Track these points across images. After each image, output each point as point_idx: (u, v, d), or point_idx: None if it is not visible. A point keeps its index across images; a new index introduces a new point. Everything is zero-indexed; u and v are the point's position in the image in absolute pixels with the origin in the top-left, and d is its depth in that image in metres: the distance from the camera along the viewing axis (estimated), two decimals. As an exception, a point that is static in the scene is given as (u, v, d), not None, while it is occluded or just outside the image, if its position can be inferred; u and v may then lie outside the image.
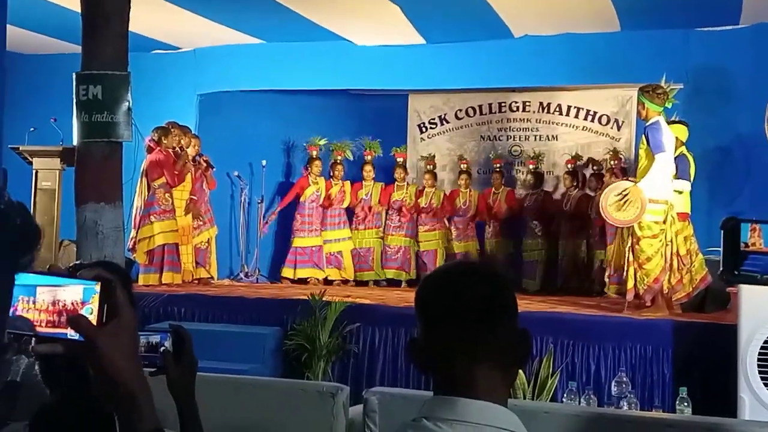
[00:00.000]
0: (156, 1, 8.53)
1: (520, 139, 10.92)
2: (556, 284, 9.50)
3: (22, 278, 1.24)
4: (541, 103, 10.79)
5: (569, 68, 9.59)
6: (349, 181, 10.42)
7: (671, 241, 6.78)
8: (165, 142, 8.79)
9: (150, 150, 8.77)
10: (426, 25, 9.48)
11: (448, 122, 11.23)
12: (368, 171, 10.36)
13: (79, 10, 6.00)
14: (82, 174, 5.86)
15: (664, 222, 6.76)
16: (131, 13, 6.11)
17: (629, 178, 7.46)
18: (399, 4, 8.66)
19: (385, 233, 10.30)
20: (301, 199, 10.19)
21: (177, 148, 8.96)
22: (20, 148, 8.44)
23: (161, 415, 2.07)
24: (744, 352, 5.12)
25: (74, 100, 5.81)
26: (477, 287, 1.61)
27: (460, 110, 11.16)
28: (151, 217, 8.56)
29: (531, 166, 10.32)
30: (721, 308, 7.15)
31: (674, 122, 7.52)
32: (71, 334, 1.20)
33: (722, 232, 1.93)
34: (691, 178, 7.62)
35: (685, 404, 5.24)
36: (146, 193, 8.66)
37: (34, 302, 1.23)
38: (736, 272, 2.00)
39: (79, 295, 1.23)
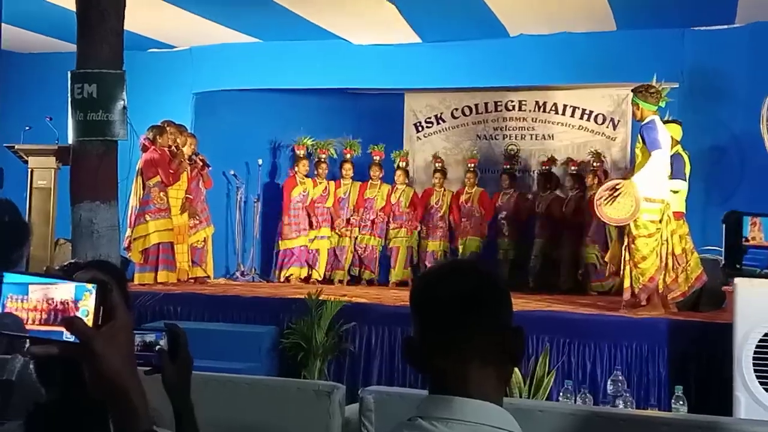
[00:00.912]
0: (152, 0, 8.51)
1: (516, 138, 10.93)
2: (527, 284, 9.48)
3: (15, 277, 1.24)
4: (537, 102, 10.80)
5: (565, 67, 9.60)
6: (333, 181, 10.39)
7: (667, 240, 6.79)
8: (160, 140, 8.78)
9: (145, 149, 8.76)
10: (422, 24, 9.48)
11: (444, 121, 11.24)
12: (347, 170, 10.30)
13: (74, 9, 5.99)
14: (78, 173, 5.85)
15: (660, 221, 6.76)
16: (127, 12, 6.11)
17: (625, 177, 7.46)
18: (395, 3, 8.66)
19: (360, 233, 10.29)
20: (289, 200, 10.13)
21: (172, 147, 8.95)
22: (15, 147, 8.43)
23: (157, 414, 2.07)
24: (739, 351, 5.13)
25: (69, 99, 5.80)
26: (471, 285, 1.62)
27: (457, 109, 11.17)
28: (146, 216, 8.56)
29: (506, 167, 10.33)
30: (717, 307, 7.17)
31: (668, 121, 7.53)
32: (67, 335, 1.20)
33: (724, 225, 1.94)
34: (687, 177, 7.63)
35: (681, 403, 5.24)
36: (141, 192, 8.66)
37: (25, 300, 1.23)
38: (737, 266, 2.01)
39: (71, 294, 1.23)
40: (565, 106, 10.68)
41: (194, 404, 2.14)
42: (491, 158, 10.82)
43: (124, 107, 5.78)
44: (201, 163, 9.34)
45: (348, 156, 10.41)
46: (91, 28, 5.80)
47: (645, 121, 6.90)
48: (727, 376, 5.27)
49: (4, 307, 1.23)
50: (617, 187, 6.72)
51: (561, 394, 5.62)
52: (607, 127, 10.50)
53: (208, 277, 9.45)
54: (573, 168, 10.02)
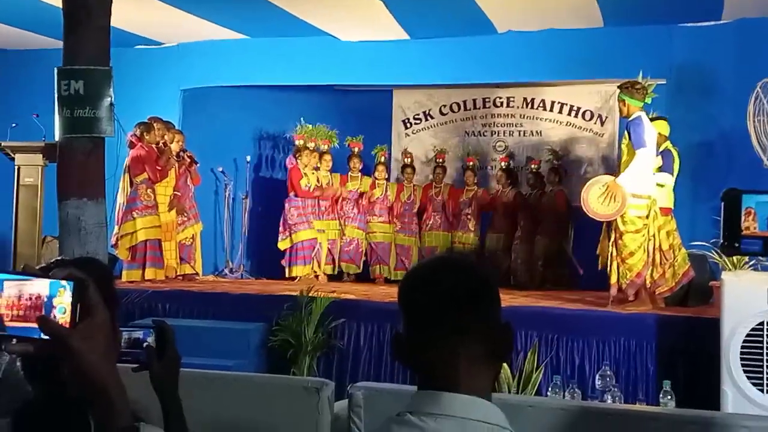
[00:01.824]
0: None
1: (504, 135, 10.95)
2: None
3: None
4: (525, 99, 10.81)
5: (553, 64, 9.61)
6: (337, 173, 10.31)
7: (654, 236, 6.82)
8: (147, 137, 8.75)
9: (132, 145, 8.73)
10: (410, 20, 9.47)
11: (432, 118, 11.24)
12: (327, 161, 10.13)
13: (61, 6, 5.96)
14: (64, 169, 5.81)
15: (647, 217, 6.80)
16: (114, 8, 6.07)
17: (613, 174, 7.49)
18: (383, 0, 8.65)
19: (342, 225, 10.19)
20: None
21: (160, 144, 8.92)
22: (2, 144, 8.38)
23: (144, 410, 2.07)
24: (727, 345, 5.16)
25: (56, 96, 5.77)
26: (459, 281, 1.62)
27: (445, 106, 11.17)
28: (134, 213, 8.53)
29: (470, 163, 10.36)
30: (704, 302, 7.20)
31: (655, 118, 7.56)
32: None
33: (722, 203, 1.94)
34: (675, 173, 7.66)
35: (669, 397, 5.27)
36: (128, 189, 8.63)
37: (0, 297, 1.22)
38: (736, 245, 2.01)
39: (47, 291, 1.22)
40: (552, 102, 10.70)
41: (182, 401, 2.14)
42: (480, 155, 10.81)
43: (111, 104, 5.74)
44: (189, 160, 9.31)
45: (325, 147, 10.22)
46: (78, 24, 5.76)
47: (631, 118, 6.94)
48: (714, 370, 5.30)
49: None
50: (607, 190, 6.75)
51: (550, 389, 5.64)
52: (595, 123, 10.53)
53: (197, 274, 9.42)
54: (534, 166, 10.15)
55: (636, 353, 6.10)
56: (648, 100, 7.07)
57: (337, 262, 10.11)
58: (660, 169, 7.27)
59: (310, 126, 10.14)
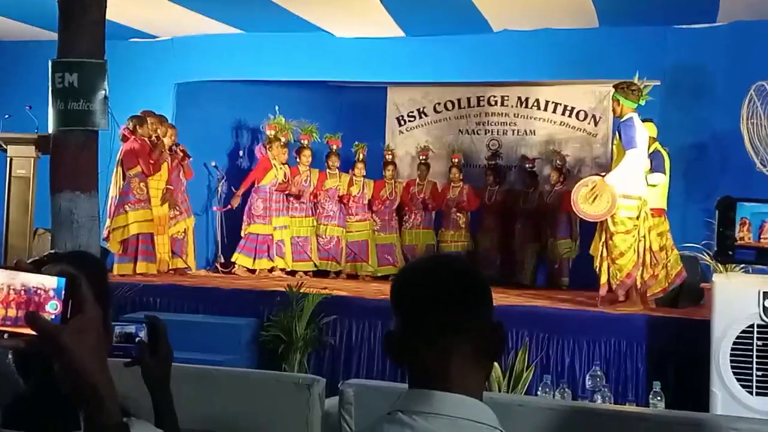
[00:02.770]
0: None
1: (498, 134, 10.95)
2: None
3: None
4: (519, 98, 10.82)
5: (548, 63, 9.62)
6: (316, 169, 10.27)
7: (644, 237, 6.84)
8: (140, 131, 8.74)
9: (125, 139, 8.72)
10: (406, 18, 9.46)
11: (426, 115, 11.24)
12: (306, 156, 10.06)
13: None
14: (58, 162, 5.80)
15: (638, 217, 6.82)
16: (109, 1, 6.06)
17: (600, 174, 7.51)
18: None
19: (318, 222, 10.14)
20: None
21: (153, 138, 8.90)
22: (-6, 136, 8.35)
23: (135, 405, 2.07)
24: (717, 347, 5.18)
25: (50, 88, 5.75)
26: (451, 280, 1.62)
27: (439, 104, 11.16)
28: (126, 206, 8.52)
29: (455, 160, 10.37)
30: (695, 304, 7.23)
31: (643, 120, 7.58)
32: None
33: (717, 211, 1.95)
34: (666, 174, 7.68)
35: (659, 398, 5.29)
36: (121, 183, 8.62)
37: None
38: (730, 253, 2.01)
39: (38, 285, 1.22)
40: (547, 101, 10.71)
41: (173, 396, 2.15)
42: (474, 153, 10.82)
43: (105, 97, 5.73)
44: (182, 154, 9.30)
45: (305, 142, 10.14)
46: (73, 17, 5.75)
47: (624, 119, 6.96)
48: (704, 371, 5.32)
49: None
50: (593, 189, 6.76)
51: (540, 388, 5.66)
52: (589, 123, 10.55)
53: (189, 268, 9.41)
54: (528, 165, 10.18)
55: (626, 354, 6.12)
56: (642, 102, 7.09)
57: (313, 258, 10.02)
58: (651, 171, 7.29)
59: (283, 118, 10.05)
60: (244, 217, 9.78)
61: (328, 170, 10.18)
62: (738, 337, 5.12)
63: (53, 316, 1.22)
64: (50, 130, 5.85)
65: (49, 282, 1.23)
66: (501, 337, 1.65)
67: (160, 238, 8.83)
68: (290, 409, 3.26)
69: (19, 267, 1.24)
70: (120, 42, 9.44)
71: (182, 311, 7.12)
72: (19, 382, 1.91)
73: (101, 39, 5.87)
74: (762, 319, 5.03)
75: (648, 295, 6.93)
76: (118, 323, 2.20)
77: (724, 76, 8.87)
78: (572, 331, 6.28)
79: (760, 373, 5.06)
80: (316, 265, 10.02)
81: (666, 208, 7.59)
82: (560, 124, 10.66)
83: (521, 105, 10.84)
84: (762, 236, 2.14)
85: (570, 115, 10.63)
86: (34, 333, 1.20)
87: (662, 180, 7.48)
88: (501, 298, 7.25)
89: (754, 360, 5.08)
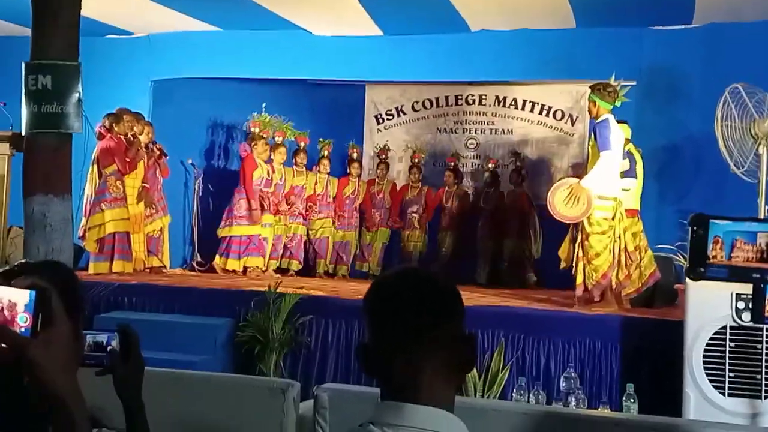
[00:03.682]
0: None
1: (475, 132, 10.99)
2: None
3: None
4: (497, 97, 10.85)
5: (525, 63, 9.66)
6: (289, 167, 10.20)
7: (620, 238, 6.88)
8: (116, 128, 8.68)
9: (101, 137, 8.66)
10: (384, 16, 9.47)
11: (404, 114, 11.25)
12: (281, 153, 9.97)
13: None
14: (31, 165, 5.74)
15: (613, 218, 6.86)
16: (84, -3, 6.00)
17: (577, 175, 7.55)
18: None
19: (286, 220, 10.06)
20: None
21: (129, 135, 8.84)
22: (-32, 133, 8.27)
23: (107, 415, 2.06)
24: (690, 348, 5.22)
25: (23, 90, 5.70)
26: (422, 292, 1.63)
27: (417, 102, 11.18)
28: (102, 204, 8.45)
29: (416, 160, 10.42)
30: (670, 304, 7.29)
31: (618, 122, 7.63)
32: None
33: (690, 228, 1.96)
34: (638, 176, 7.72)
35: (632, 400, 5.33)
36: (97, 181, 8.56)
37: None
38: (702, 270, 2.03)
39: (8, 298, 1.22)
40: (524, 101, 10.76)
41: (146, 401, 2.14)
42: (451, 152, 10.84)
43: (80, 99, 5.68)
44: (158, 152, 9.25)
45: (279, 139, 10.06)
46: (47, 17, 5.69)
47: (599, 120, 7.00)
48: (678, 373, 5.36)
49: None
50: (571, 192, 6.80)
51: (515, 390, 5.68)
52: (566, 122, 10.60)
53: (165, 267, 9.36)
54: (491, 165, 10.27)
55: (601, 354, 6.15)
56: (618, 103, 7.13)
57: (279, 257, 10.00)
58: (624, 173, 7.33)
59: (267, 115, 10.00)
60: (225, 218, 9.59)
61: (295, 167, 10.14)
62: (711, 339, 5.17)
63: (23, 329, 1.22)
64: (23, 132, 5.78)
65: (20, 295, 1.23)
66: (472, 349, 1.66)
67: (136, 237, 8.77)
68: (265, 413, 3.26)
69: None
70: (96, 39, 9.36)
71: (158, 311, 7.07)
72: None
73: (75, 40, 5.81)
74: (735, 321, 5.07)
75: (622, 295, 6.97)
76: (90, 332, 2.19)
77: (700, 78, 8.95)
78: (547, 332, 6.30)
79: (732, 375, 5.10)
80: (280, 264, 9.98)
81: (639, 209, 7.63)
82: (537, 124, 10.71)
83: (499, 104, 10.88)
84: (733, 255, 2.16)
85: (547, 115, 10.68)
86: (3, 345, 1.20)
87: (633, 185, 7.53)
88: (478, 297, 7.29)
89: (727, 361, 5.12)
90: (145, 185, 8.97)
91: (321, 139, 10.42)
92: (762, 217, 7.06)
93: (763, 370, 5.04)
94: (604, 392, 5.98)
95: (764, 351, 5.05)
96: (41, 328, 1.22)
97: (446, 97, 11.07)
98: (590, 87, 7.24)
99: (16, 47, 7.27)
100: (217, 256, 9.60)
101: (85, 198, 8.52)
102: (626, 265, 6.92)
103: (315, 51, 10.15)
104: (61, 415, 1.23)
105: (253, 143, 9.67)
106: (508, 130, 10.85)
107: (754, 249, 2.09)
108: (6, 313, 1.22)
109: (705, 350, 5.19)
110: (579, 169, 9.11)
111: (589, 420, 3.15)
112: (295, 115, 10.40)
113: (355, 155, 10.49)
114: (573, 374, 5.74)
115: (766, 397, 5.00)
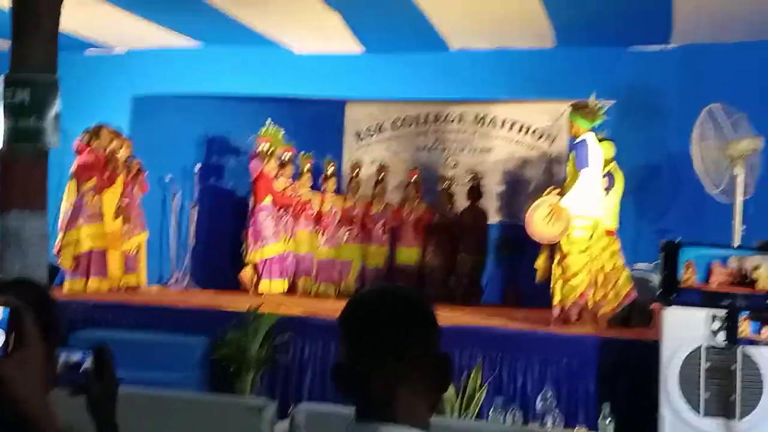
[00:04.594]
0: (89, 0, 8.36)
1: (455, 151, 11.01)
2: None
3: None
4: (476, 116, 10.89)
5: (504, 82, 9.71)
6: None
7: (597, 257, 6.91)
8: (95, 144, 8.63)
9: (79, 152, 8.61)
10: (366, 34, 9.49)
11: (384, 131, 11.26)
12: (290, 169, 9.98)
13: (8, 8, 5.84)
14: (6, 180, 5.69)
15: (591, 237, 6.88)
16: (64, 12, 5.96)
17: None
18: (340, 11, 8.66)
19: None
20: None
21: (108, 151, 8.80)
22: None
23: (79, 436, 2.03)
24: (665, 368, 5.25)
25: (1, 103, 5.66)
26: (398, 309, 1.63)
27: (397, 120, 11.20)
28: (79, 220, 8.40)
29: (381, 175, 10.49)
30: (646, 324, 7.30)
31: (602, 139, 7.67)
32: None
33: (662, 254, 1.98)
34: (619, 195, 7.77)
35: (608, 420, 5.33)
36: (74, 196, 8.49)
37: None
38: (674, 295, 2.05)
39: None
40: (504, 120, 10.80)
41: (120, 421, 2.12)
42: (431, 169, 10.86)
43: (57, 114, 5.64)
44: (136, 168, 9.20)
45: (288, 155, 10.05)
46: (26, 31, 5.65)
47: (579, 139, 7.04)
48: (654, 392, 5.38)
49: None
50: (551, 212, 6.83)
51: (492, 409, 5.66)
52: (544, 141, 10.65)
53: (141, 285, 9.28)
54: (447, 183, 10.35)
55: (578, 374, 6.16)
56: (597, 123, 7.18)
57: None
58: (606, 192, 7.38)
59: (275, 128, 9.91)
60: (251, 240, 9.41)
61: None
62: (686, 359, 5.20)
63: None
64: (-1, 145, 5.76)
65: None
66: (446, 370, 1.66)
67: (113, 254, 8.69)
68: (240, 433, 3.25)
69: None
70: (75, 54, 9.34)
71: (134, 329, 7.01)
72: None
73: (54, 54, 5.77)
74: (710, 341, 5.10)
75: (599, 314, 6.99)
76: (64, 350, 2.16)
77: (678, 98, 9.02)
78: (524, 351, 6.31)
79: (707, 395, 5.13)
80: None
81: (617, 228, 7.67)
82: (516, 143, 10.75)
83: (478, 123, 10.92)
84: (711, 278, 2.18)
85: (526, 134, 10.73)
86: None
87: (611, 202, 7.57)
88: (457, 316, 7.28)
89: (702, 381, 5.15)
90: (124, 201, 8.92)
91: (302, 153, 10.34)
92: (737, 236, 7.13)
93: (738, 390, 5.08)
94: (581, 412, 5.99)
95: (739, 371, 5.09)
96: (14, 347, 1.21)
97: (426, 115, 11.10)
98: (570, 106, 7.29)
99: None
100: (261, 281, 9.34)
101: (61, 213, 8.45)
102: (603, 284, 6.95)
103: (295, 69, 10.16)
104: None
105: (265, 160, 9.50)
106: (487, 148, 10.88)
107: (728, 272, 2.11)
108: None
109: (680, 370, 5.22)
110: (558, 188, 9.15)
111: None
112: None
113: (330, 171, 10.44)
114: (549, 394, 5.74)
115: (740, 418, 5.02)
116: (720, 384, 5.12)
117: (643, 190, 8.99)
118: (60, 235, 8.39)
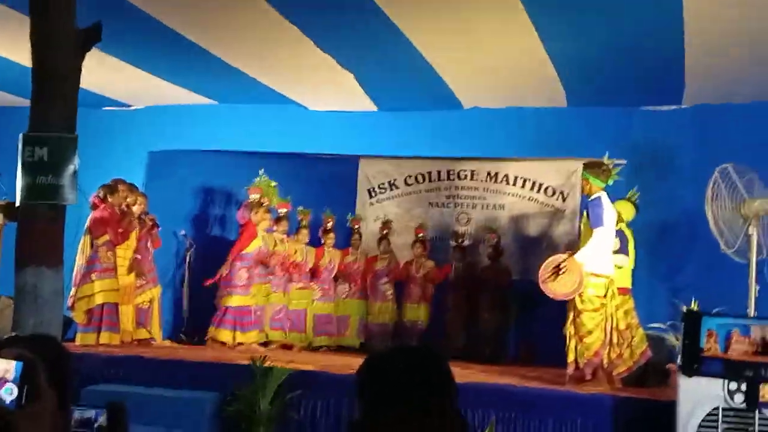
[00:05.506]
0: (108, 59, 8.51)
1: (467, 207, 11.02)
2: None
3: None
4: (489, 173, 10.90)
5: (516, 140, 9.78)
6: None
7: (611, 316, 6.86)
8: (111, 199, 8.70)
9: (95, 207, 8.67)
10: (378, 93, 9.61)
11: (397, 188, 11.30)
12: (284, 225, 9.92)
13: (30, 66, 5.94)
14: (24, 237, 5.72)
15: (605, 296, 6.85)
16: (84, 69, 6.06)
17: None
18: (352, 71, 8.77)
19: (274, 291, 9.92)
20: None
21: (123, 206, 8.86)
22: (-39, 202, 8.26)
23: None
24: (682, 430, 5.17)
25: (19, 161, 5.71)
26: (415, 368, 1.63)
27: (410, 176, 11.23)
28: (93, 275, 8.42)
29: (384, 231, 10.46)
30: (662, 384, 7.22)
31: (625, 200, 7.68)
32: None
33: (683, 324, 1.96)
34: (630, 254, 7.75)
35: (624, 482, 5.25)
36: (89, 251, 8.54)
37: None
38: (695, 366, 2.03)
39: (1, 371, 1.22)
40: (516, 177, 10.81)
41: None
42: (442, 227, 10.87)
43: (75, 171, 5.69)
44: (150, 223, 9.25)
45: (284, 211, 10.03)
46: (46, 91, 5.74)
47: (592, 198, 7.04)
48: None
49: None
50: (561, 265, 6.81)
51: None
52: (557, 199, 10.65)
53: (153, 339, 9.25)
54: (460, 240, 10.30)
55: (592, 434, 6.08)
56: (610, 182, 7.20)
57: (266, 329, 9.76)
58: (616, 251, 7.35)
59: (267, 179, 9.91)
60: (221, 287, 9.41)
61: (275, 235, 9.90)
62: (703, 420, 5.12)
63: (8, 401, 1.21)
64: (18, 202, 5.79)
65: (7, 366, 1.22)
66: (462, 427, 1.65)
67: (125, 308, 8.69)
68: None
69: None
70: (94, 110, 9.47)
71: (145, 383, 6.96)
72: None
73: (73, 112, 5.85)
74: (727, 403, 5.03)
75: (614, 374, 6.92)
76: (78, 407, 2.16)
77: (690, 157, 9.06)
78: (538, 410, 6.23)
79: (725, 457, 5.05)
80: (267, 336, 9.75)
81: (631, 287, 7.63)
82: (529, 200, 10.76)
83: (491, 180, 10.93)
84: (730, 347, 2.17)
85: (538, 191, 10.73)
86: None
87: (625, 262, 7.54)
88: (469, 374, 7.22)
89: (720, 443, 5.07)
90: (137, 256, 8.95)
91: (300, 208, 10.30)
92: (752, 296, 7.07)
93: (756, 452, 4.99)
94: (597, 473, 5.89)
95: (757, 433, 5.01)
96: (27, 401, 1.21)
97: (438, 172, 11.13)
98: (583, 165, 7.31)
99: (14, 117, 7.34)
100: (211, 327, 9.35)
101: (76, 267, 8.49)
102: (618, 343, 6.89)
103: (310, 125, 10.27)
104: None
105: (254, 210, 9.48)
106: (500, 205, 10.88)
107: (750, 341, 2.10)
108: None
109: (697, 431, 5.14)
110: (571, 246, 9.13)
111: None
112: (288, 188, 10.42)
113: (329, 225, 10.39)
114: (564, 455, 5.66)
115: (759, 480, 4.93)
116: (737, 446, 5.04)
117: (657, 248, 8.97)
118: (73, 290, 8.41)
